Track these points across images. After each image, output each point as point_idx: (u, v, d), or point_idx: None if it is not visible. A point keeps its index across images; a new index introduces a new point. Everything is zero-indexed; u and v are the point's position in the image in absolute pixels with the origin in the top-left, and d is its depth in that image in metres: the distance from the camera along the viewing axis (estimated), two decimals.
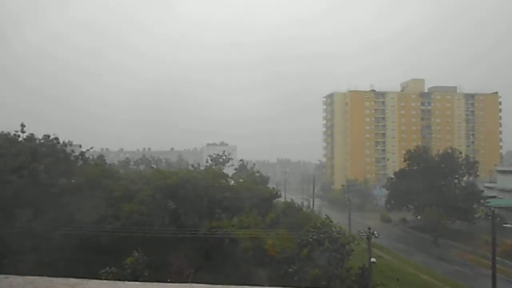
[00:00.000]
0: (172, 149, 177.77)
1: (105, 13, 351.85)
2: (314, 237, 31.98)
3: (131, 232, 31.76)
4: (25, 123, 38.91)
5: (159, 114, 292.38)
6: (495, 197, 70.71)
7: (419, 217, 69.59)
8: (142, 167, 55.84)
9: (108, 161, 54.80)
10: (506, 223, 64.50)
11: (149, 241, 33.06)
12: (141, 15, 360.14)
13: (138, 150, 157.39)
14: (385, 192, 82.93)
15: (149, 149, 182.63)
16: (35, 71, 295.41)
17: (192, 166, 56.47)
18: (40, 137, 40.17)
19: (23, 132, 39.28)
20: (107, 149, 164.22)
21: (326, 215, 36.74)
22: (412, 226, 73.78)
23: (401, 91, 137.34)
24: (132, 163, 57.73)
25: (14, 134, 39.28)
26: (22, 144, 37.75)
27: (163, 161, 70.03)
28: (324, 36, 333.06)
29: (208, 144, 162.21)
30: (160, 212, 36.75)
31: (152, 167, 56.13)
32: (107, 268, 28.32)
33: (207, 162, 73.33)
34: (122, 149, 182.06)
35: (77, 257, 31.52)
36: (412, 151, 75.94)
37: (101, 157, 48.60)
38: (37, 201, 33.05)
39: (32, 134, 39.86)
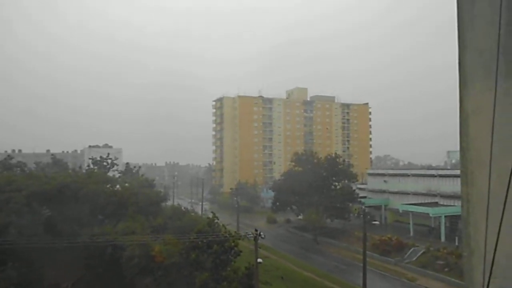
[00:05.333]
0: (48, 151, 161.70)
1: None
2: (203, 241, 31.82)
3: None
4: None
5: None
6: (365, 197, 78.35)
7: (301, 217, 73.69)
8: (13, 172, 49.79)
9: None
10: (375, 220, 71.76)
11: (20, 253, 29.64)
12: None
13: (6, 152, 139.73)
14: (271, 194, 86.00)
15: (19, 150, 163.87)
16: None
17: (73, 170, 52.07)
18: None
19: None
20: None
21: (214, 216, 36.78)
22: (295, 226, 77.92)
23: (287, 98, 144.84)
24: None
25: None
26: None
27: (37, 164, 63.31)
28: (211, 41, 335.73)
29: (90, 146, 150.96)
30: (34, 221, 33.22)
31: (24, 171, 50.52)
32: None
33: (88, 166, 68.17)
34: None
35: None
36: (300, 153, 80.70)
37: None
38: None
39: None
